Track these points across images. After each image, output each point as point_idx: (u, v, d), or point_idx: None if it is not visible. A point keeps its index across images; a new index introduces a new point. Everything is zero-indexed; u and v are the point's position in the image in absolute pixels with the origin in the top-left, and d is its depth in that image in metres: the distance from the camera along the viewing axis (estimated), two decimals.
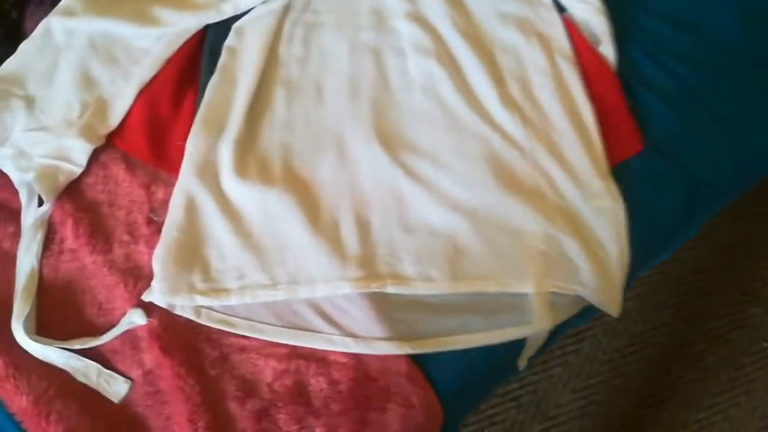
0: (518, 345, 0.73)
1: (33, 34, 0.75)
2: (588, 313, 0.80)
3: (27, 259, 0.67)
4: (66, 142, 0.71)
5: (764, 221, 1.37)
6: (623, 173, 0.77)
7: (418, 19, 0.82)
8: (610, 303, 0.73)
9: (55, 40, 0.76)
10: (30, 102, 0.74)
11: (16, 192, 0.70)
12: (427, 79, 0.79)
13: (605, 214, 0.74)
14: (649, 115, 0.81)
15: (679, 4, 0.88)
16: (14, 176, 0.70)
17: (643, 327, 1.27)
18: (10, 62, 0.74)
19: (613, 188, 0.75)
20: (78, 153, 0.72)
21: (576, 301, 0.73)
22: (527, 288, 0.71)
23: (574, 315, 0.74)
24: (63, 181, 0.71)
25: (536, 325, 0.70)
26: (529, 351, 0.74)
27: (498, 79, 0.79)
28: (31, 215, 0.68)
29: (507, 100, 0.78)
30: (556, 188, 0.75)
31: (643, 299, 1.30)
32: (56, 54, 0.75)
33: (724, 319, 1.28)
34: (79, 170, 0.72)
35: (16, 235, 0.68)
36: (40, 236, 0.68)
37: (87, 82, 0.74)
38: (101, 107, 0.74)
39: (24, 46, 0.75)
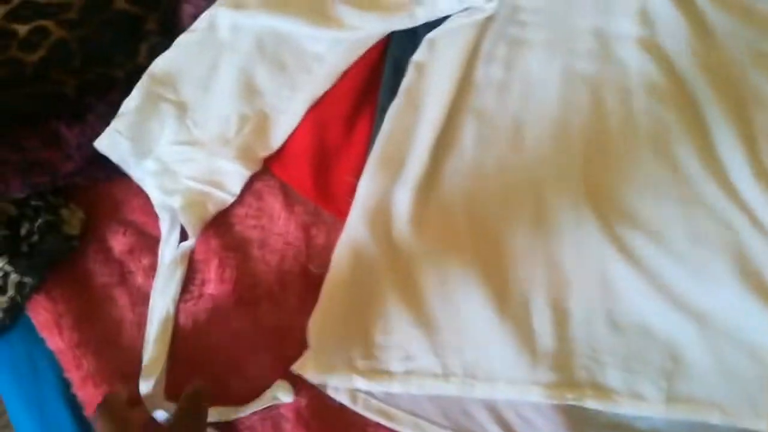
0: None
1: (194, 25, 0.63)
2: None
3: (162, 301, 0.57)
4: (219, 164, 0.60)
5: None
6: None
7: (653, 48, 0.64)
8: None
9: (219, 37, 0.64)
10: (182, 109, 0.62)
11: (155, 216, 0.60)
12: (657, 129, 0.62)
13: None
14: None
15: None
16: (156, 198, 0.60)
17: None
18: (165, 58, 0.63)
19: None
20: (232, 179, 0.60)
21: None
22: (764, 425, 0.55)
23: None
24: (212, 210, 0.60)
25: None
26: None
27: (752, 144, 0.61)
28: (170, 249, 0.58)
29: (763, 173, 0.60)
30: None
31: None
32: (218, 54, 0.63)
33: None
34: (231, 199, 0.61)
35: (152, 268, 0.58)
36: (179, 275, 0.57)
37: (249, 91, 0.62)
38: (262, 124, 0.62)
39: (182, 40, 0.63)
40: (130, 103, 0.63)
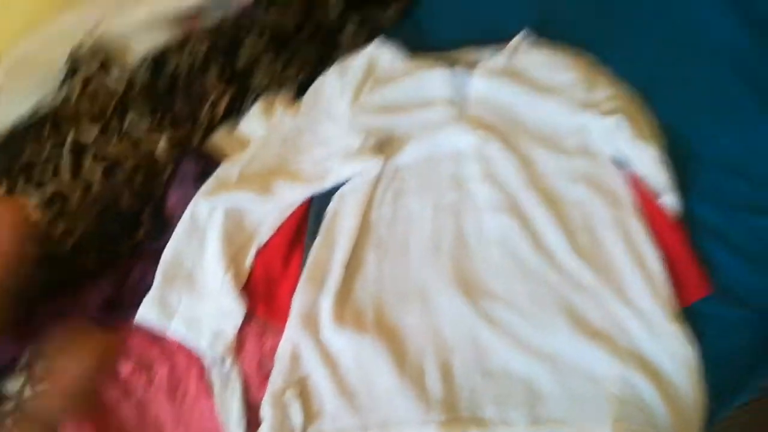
0: None
1: (182, 218, 0.90)
2: None
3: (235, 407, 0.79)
4: (223, 301, 0.85)
5: None
6: (693, 318, 0.81)
7: (494, 180, 0.92)
8: None
9: (200, 220, 0.91)
10: (189, 278, 0.88)
11: (149, 347, 0.84)
12: (502, 233, 0.88)
13: (678, 357, 0.78)
14: (715, 261, 0.85)
15: (735, 154, 0.94)
16: (190, 342, 0.83)
17: None
18: (169, 247, 0.89)
19: (684, 331, 0.79)
20: (235, 308, 0.84)
21: None
22: (607, 430, 0.75)
23: None
24: (232, 337, 0.83)
25: None
26: None
27: (567, 231, 0.87)
28: (216, 375, 0.81)
29: (577, 249, 0.85)
30: (627, 332, 0.80)
31: None
32: (203, 231, 0.90)
33: None
34: (238, 324, 0.83)
35: (150, 382, 0.82)
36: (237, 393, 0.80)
37: (229, 244, 0.89)
38: (239, 262, 0.88)
39: (177, 231, 0.90)
40: (155, 284, 0.86)
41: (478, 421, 0.76)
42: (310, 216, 0.93)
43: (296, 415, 0.76)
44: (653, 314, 0.80)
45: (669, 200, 0.88)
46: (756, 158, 0.94)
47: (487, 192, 0.91)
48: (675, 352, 0.78)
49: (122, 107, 1.00)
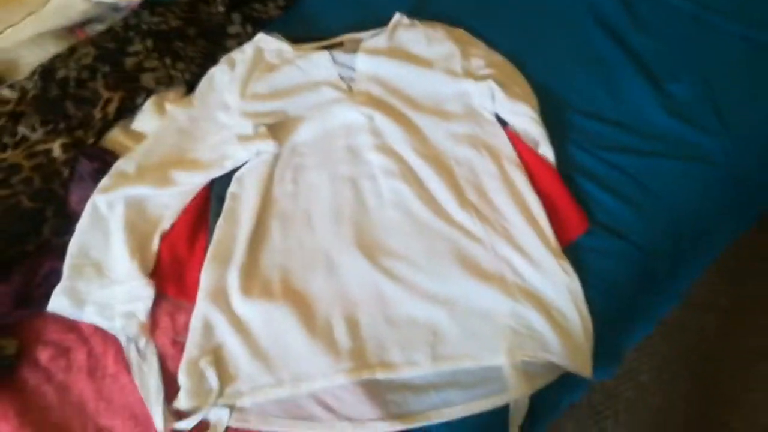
0: (504, 414, 0.81)
1: (83, 213, 0.92)
2: (579, 386, 0.89)
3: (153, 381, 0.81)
4: (132, 286, 0.87)
5: (762, 278, 1.44)
6: (577, 252, 0.90)
7: (385, 149, 0.98)
8: (581, 366, 0.82)
9: (101, 214, 0.93)
10: (97, 267, 0.90)
11: (65, 334, 0.86)
12: (396, 196, 0.94)
13: (563, 288, 0.85)
14: (590, 199, 0.94)
15: (600, 103, 1.04)
16: (105, 326, 0.85)
17: (662, 399, 1.31)
18: (74, 241, 0.91)
19: (566, 265, 0.87)
20: (143, 291, 0.86)
21: (551, 368, 0.83)
22: (500, 360, 0.81)
23: (554, 383, 0.83)
24: (143, 319, 0.85)
25: (513, 393, 0.79)
26: (516, 420, 0.82)
27: (456, 188, 0.94)
28: (133, 353, 0.83)
29: (465, 203, 0.92)
30: (516, 271, 0.87)
31: (657, 372, 1.34)
32: (106, 223, 0.93)
33: (739, 380, 1.31)
34: (149, 305, 0.86)
35: (68, 368, 0.84)
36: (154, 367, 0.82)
37: (132, 233, 0.91)
38: (144, 248, 0.90)
39: (80, 226, 0.92)
40: (63, 276, 0.88)
41: (385, 365, 0.81)
42: (212, 199, 0.96)
43: (212, 379, 0.79)
44: (538, 253, 0.88)
45: (544, 150, 0.96)
46: (620, 105, 1.04)
47: (380, 160, 0.97)
48: (559, 284, 0.86)
49: (15, 118, 1.01)
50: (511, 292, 0.85)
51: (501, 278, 0.86)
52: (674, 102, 1.03)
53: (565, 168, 0.96)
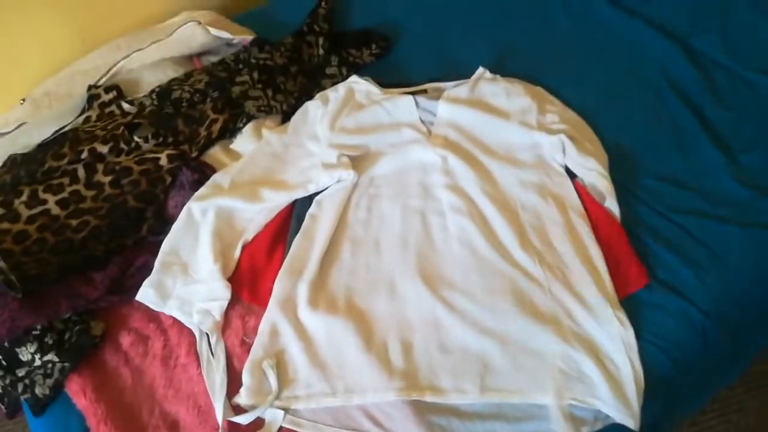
0: None
1: (179, 217, 1.03)
2: None
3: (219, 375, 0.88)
4: (212, 286, 0.95)
5: None
6: (635, 305, 0.91)
7: (455, 188, 1.04)
8: (628, 416, 0.83)
9: (194, 219, 1.03)
10: (184, 267, 0.99)
11: (146, 323, 0.95)
12: (462, 232, 0.99)
13: (617, 338, 0.87)
14: (654, 257, 0.96)
15: (671, 165, 1.07)
16: (182, 320, 0.94)
17: None
18: (167, 241, 1.01)
19: (622, 316, 0.89)
20: (221, 293, 0.95)
21: (598, 416, 0.84)
22: (547, 399, 0.83)
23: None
24: (218, 318, 0.93)
25: None
26: None
27: (520, 230, 0.98)
28: (204, 348, 0.91)
29: (527, 245, 0.96)
30: (571, 316, 0.90)
31: None
32: (197, 228, 1.02)
33: None
34: (224, 305, 0.94)
35: (145, 354, 0.93)
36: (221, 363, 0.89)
37: (218, 239, 1.00)
38: (227, 254, 0.99)
39: (174, 227, 1.02)
40: (153, 270, 0.98)
41: (435, 389, 0.84)
42: (292, 218, 1.04)
43: (272, 380, 0.85)
44: (595, 301, 0.90)
45: (610, 204, 0.99)
46: (691, 168, 1.07)
47: (449, 197, 1.03)
48: (614, 333, 0.88)
49: (131, 129, 1.14)
50: (564, 335, 0.88)
51: (556, 320, 0.89)
52: (746, 171, 1.05)
53: (632, 225, 0.99)
